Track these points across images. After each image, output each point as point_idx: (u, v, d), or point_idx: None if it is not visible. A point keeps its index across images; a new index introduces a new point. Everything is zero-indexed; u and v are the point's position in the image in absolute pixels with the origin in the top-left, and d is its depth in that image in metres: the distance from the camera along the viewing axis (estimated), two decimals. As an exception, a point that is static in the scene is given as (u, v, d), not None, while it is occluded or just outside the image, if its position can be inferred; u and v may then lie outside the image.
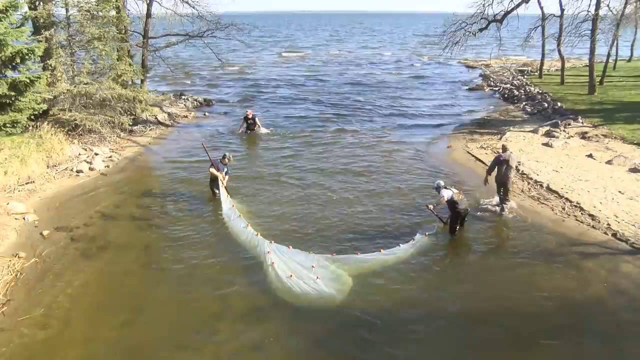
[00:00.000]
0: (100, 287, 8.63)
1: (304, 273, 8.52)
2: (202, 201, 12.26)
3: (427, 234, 10.23)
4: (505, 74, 32.39)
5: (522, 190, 12.66)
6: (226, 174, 12.36)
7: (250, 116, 18.58)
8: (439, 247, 10.05)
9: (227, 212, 11.01)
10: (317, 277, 8.39)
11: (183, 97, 25.03)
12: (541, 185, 12.87)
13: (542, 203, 11.91)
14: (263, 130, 18.71)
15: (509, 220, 11.09)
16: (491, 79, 31.38)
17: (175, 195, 12.62)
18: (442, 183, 10.48)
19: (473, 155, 15.73)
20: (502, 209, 11.37)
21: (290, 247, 9.34)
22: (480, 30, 24.84)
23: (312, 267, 8.65)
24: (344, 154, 16.08)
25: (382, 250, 9.45)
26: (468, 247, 10.12)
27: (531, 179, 13.36)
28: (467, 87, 29.97)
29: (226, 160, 12.34)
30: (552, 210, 11.53)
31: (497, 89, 28.19)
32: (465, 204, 10.27)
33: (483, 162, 14.87)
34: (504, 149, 11.58)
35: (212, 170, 12.14)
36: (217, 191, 12.11)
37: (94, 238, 10.32)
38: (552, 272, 8.99)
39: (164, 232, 10.61)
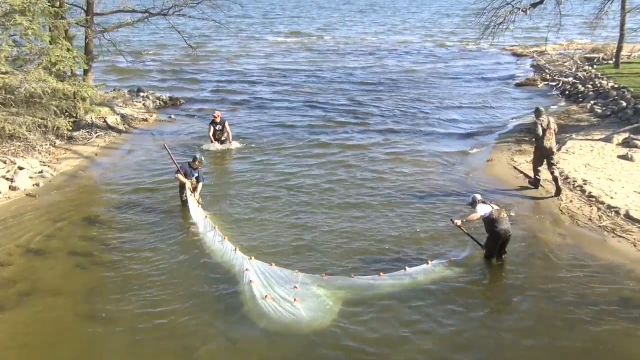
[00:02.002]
0: (21, 349, 8.41)
1: (282, 294, 9.28)
2: (164, 229, 12.25)
3: (451, 258, 10.54)
4: (566, 64, 32.31)
5: (589, 219, 12.55)
6: (198, 179, 13.06)
7: (218, 119, 18.23)
8: (468, 282, 10.08)
9: (201, 225, 11.87)
10: (295, 300, 9.07)
11: (141, 94, 25.17)
12: (617, 212, 12.72)
13: (619, 236, 11.77)
14: (234, 144, 18.29)
15: (569, 256, 10.97)
16: (547, 70, 31.38)
17: (129, 222, 12.60)
18: (479, 197, 10.95)
19: (520, 171, 15.68)
20: (557, 182, 13.71)
21: (273, 264, 10.08)
22: (534, 5, 24.75)
23: (295, 287, 9.40)
24: (350, 168, 16.21)
25: (381, 274, 9.97)
26: (510, 287, 10.02)
27: (602, 203, 13.22)
28: (514, 82, 29.99)
29: (197, 163, 13.07)
30: (634, 246, 11.37)
31: (554, 83, 28.18)
32: (507, 224, 10.54)
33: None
34: (538, 112, 13.94)
35: (179, 176, 12.92)
36: (185, 199, 12.82)
37: (14, 282, 10.17)
38: (638, 332, 8.73)
39: (114, 271, 10.54)
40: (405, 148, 18.37)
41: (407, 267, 10.19)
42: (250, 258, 10.21)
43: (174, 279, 10.21)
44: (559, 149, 17.10)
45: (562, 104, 24.64)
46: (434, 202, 13.71)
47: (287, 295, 9.21)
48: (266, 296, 9.15)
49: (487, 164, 16.64)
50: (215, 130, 18.20)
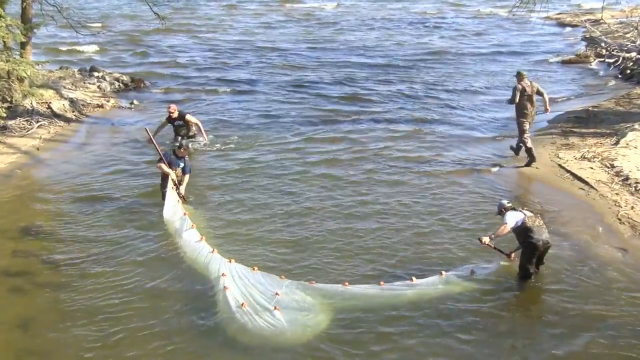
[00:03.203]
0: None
1: (261, 302, 9.71)
2: (124, 241, 12.20)
3: (472, 271, 10.82)
4: (628, 35, 32.12)
5: (655, 229, 12.55)
6: (184, 170, 13.60)
7: (175, 114, 17.47)
8: (492, 302, 10.19)
9: (176, 223, 12.21)
10: (275, 308, 9.46)
11: (96, 74, 25.15)
12: (693, 223, 12.72)
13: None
14: (201, 139, 17.84)
15: (629, 278, 10.87)
16: (603, 44, 31.27)
17: (80, 234, 12.51)
18: (506, 203, 11.11)
19: (567, 171, 15.66)
20: (531, 153, 15.97)
21: (256, 268, 10.48)
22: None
23: (276, 294, 9.77)
24: (352, 169, 16.26)
25: (382, 284, 10.29)
26: (548, 314, 9.96)
27: (672, 210, 13.19)
28: (560, 60, 29.95)
29: (183, 151, 13.65)
30: None
31: (612, 60, 28.06)
32: (545, 233, 10.55)
33: (585, 182, 14.81)
34: (520, 76, 16.05)
35: (162, 166, 13.25)
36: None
37: None
38: None
39: (61, 295, 10.42)
40: (421, 143, 18.41)
41: (414, 278, 10.42)
42: (230, 260, 10.58)
43: (135, 300, 10.16)
44: (616, 142, 17.15)
45: (622, 86, 24.59)
46: (452, 208, 13.79)
47: (266, 304, 9.59)
48: (243, 304, 9.51)
49: (524, 162, 16.52)
50: (176, 127, 17.61)
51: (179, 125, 17.59)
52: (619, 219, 12.98)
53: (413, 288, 10.26)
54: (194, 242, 11.46)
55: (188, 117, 17.70)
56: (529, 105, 16.10)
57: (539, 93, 16.26)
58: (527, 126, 16.11)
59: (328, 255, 11.71)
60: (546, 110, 16.76)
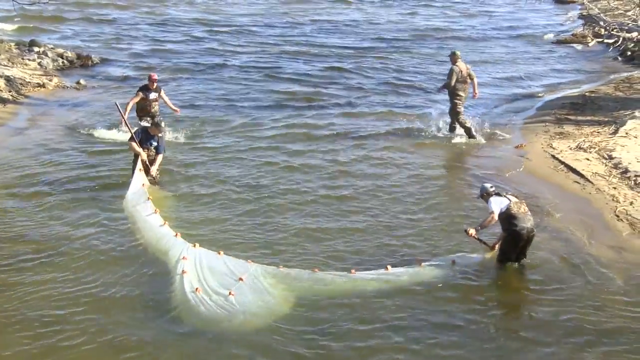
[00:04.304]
0: None
1: (214, 287, 10.03)
2: (69, 236, 11.99)
3: (453, 262, 10.97)
4: (629, 13, 32.42)
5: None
6: (157, 150, 13.91)
7: (155, 85, 17.10)
8: (475, 302, 10.21)
9: (136, 204, 12.59)
10: (230, 293, 9.75)
11: (36, 49, 25.01)
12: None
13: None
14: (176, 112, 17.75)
15: (627, 280, 10.89)
16: (601, 23, 31.49)
17: (16, 231, 12.23)
18: (489, 187, 11.13)
19: (561, 162, 15.74)
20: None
21: (222, 252, 10.83)
22: None
23: (240, 280, 10.07)
24: (330, 155, 16.36)
25: (353, 272, 10.53)
26: (534, 316, 9.99)
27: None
28: (555, 39, 30.15)
29: (155, 129, 13.86)
30: None
31: (612, 41, 28.26)
32: (530, 221, 10.64)
33: (581, 175, 14.86)
34: (455, 57, 17.40)
35: (134, 145, 13.57)
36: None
37: None
38: None
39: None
40: (402, 132, 18.50)
41: (389, 266, 10.65)
42: (194, 245, 10.88)
43: (84, 305, 9.93)
44: (615, 131, 17.34)
45: (622, 69, 24.79)
46: (433, 199, 13.92)
47: (220, 288, 9.91)
48: (197, 289, 9.83)
49: (516, 151, 16.76)
50: (149, 102, 16.97)
51: (153, 99, 17.11)
52: (617, 216, 13.00)
53: (387, 277, 10.48)
54: (156, 227, 11.78)
55: (163, 92, 17.55)
56: (463, 88, 17.53)
57: (470, 77, 17.62)
58: (461, 108, 17.59)
59: (300, 243, 11.95)
60: (474, 95, 18.12)
